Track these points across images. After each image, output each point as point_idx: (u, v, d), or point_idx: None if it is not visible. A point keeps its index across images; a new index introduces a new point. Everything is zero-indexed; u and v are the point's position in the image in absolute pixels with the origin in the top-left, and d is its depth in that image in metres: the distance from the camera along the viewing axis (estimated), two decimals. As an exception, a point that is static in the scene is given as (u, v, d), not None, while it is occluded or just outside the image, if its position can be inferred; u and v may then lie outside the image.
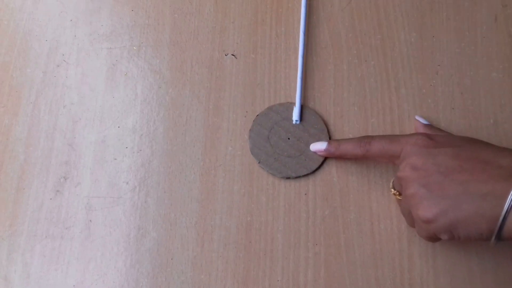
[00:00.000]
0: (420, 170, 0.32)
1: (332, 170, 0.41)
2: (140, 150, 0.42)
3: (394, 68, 0.44)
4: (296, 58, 0.44)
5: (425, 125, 0.39)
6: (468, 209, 0.29)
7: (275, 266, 0.38)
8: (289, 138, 0.41)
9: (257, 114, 0.42)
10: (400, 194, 0.35)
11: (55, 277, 0.38)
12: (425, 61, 0.44)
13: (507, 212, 0.28)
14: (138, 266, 0.38)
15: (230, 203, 0.40)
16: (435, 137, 0.34)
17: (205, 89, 0.44)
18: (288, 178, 0.40)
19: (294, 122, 0.42)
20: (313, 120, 0.42)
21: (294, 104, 0.42)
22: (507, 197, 0.28)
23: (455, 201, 0.30)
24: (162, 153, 0.42)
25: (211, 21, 0.46)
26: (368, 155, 0.37)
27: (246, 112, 0.43)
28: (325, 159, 0.40)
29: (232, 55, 0.45)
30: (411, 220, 0.34)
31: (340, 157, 0.40)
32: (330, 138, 0.41)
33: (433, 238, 0.32)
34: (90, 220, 0.40)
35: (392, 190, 0.36)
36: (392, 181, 0.37)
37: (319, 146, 0.40)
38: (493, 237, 0.29)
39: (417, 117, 0.40)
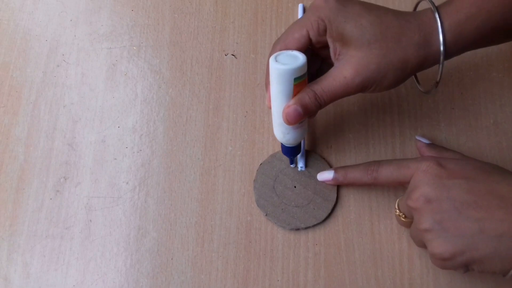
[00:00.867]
0: (434, 203, 0.31)
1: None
2: (140, 150, 0.42)
3: (394, 68, 0.44)
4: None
5: (428, 144, 0.38)
6: (484, 250, 0.29)
7: (275, 266, 0.38)
8: (295, 186, 0.40)
9: (260, 163, 0.41)
10: (405, 217, 0.35)
11: (55, 277, 0.38)
12: (425, 61, 0.44)
13: None
14: (138, 266, 0.38)
15: (230, 203, 0.40)
16: (446, 164, 0.33)
17: (205, 89, 0.44)
18: (297, 229, 0.39)
19: (299, 169, 0.40)
20: (318, 165, 0.40)
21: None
22: None
23: (471, 240, 0.30)
24: (162, 153, 0.42)
25: (211, 21, 0.46)
26: (376, 183, 0.36)
27: (246, 112, 0.43)
28: (334, 207, 0.39)
29: (232, 55, 0.45)
30: (422, 244, 0.34)
31: (348, 185, 0.40)
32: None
33: (448, 269, 0.32)
34: (90, 220, 0.40)
35: (397, 211, 0.36)
36: (397, 202, 0.36)
37: (326, 176, 0.39)
38: (508, 274, 0.30)
39: (417, 137, 0.39)
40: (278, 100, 0.33)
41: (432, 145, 0.38)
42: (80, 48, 0.46)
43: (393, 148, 0.41)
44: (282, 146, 0.38)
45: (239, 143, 0.42)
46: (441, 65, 0.33)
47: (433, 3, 0.33)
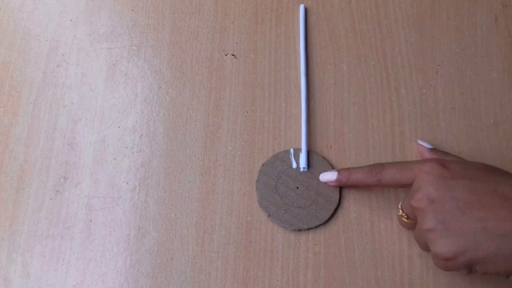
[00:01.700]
0: (437, 204, 0.31)
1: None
2: (140, 150, 0.42)
3: (394, 68, 0.44)
4: (296, 59, 0.45)
5: (430, 149, 0.38)
6: (487, 249, 0.29)
7: (275, 266, 0.38)
8: (297, 187, 0.40)
9: (262, 164, 0.41)
10: (408, 218, 0.35)
11: (55, 277, 0.38)
12: (425, 61, 0.44)
13: None
14: (138, 266, 0.38)
15: (230, 203, 0.40)
16: (449, 165, 0.33)
17: (205, 89, 0.44)
18: (300, 230, 0.39)
19: (301, 169, 0.40)
20: (320, 165, 0.40)
21: (300, 150, 0.41)
22: None
23: (474, 240, 0.30)
24: (162, 153, 0.42)
25: (211, 21, 0.46)
26: (379, 185, 0.36)
27: (246, 112, 0.43)
28: (337, 207, 0.39)
29: (232, 55, 0.45)
30: (426, 247, 0.34)
31: (352, 187, 0.40)
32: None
33: (450, 270, 0.32)
34: (90, 220, 0.40)
35: (400, 211, 0.36)
36: (400, 202, 0.36)
37: (329, 177, 0.39)
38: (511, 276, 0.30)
39: (420, 142, 0.39)
40: None
41: (434, 149, 0.38)
42: (80, 48, 0.46)
43: (393, 148, 0.41)
44: None
45: (239, 143, 0.42)
46: None
47: None
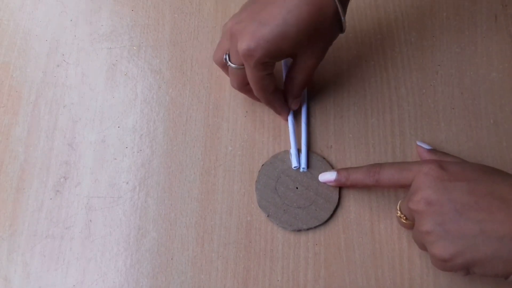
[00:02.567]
0: (435, 206, 0.31)
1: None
2: (140, 150, 0.42)
3: (394, 67, 0.44)
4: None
5: (429, 150, 0.38)
6: (485, 251, 0.29)
7: (275, 266, 0.38)
8: (297, 188, 0.40)
9: (262, 164, 0.41)
10: (406, 219, 0.35)
11: (55, 277, 0.38)
12: (425, 61, 0.44)
13: None
14: (138, 266, 0.38)
15: (230, 203, 0.40)
16: (447, 166, 0.33)
17: (205, 89, 0.44)
18: (299, 230, 0.39)
19: (301, 169, 0.40)
20: (320, 166, 0.40)
21: (300, 151, 0.41)
22: None
23: (472, 241, 0.30)
24: (162, 153, 0.42)
25: (211, 21, 0.46)
26: (378, 185, 0.36)
27: (246, 112, 0.43)
28: (336, 208, 0.39)
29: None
30: (424, 247, 0.33)
31: (350, 187, 0.40)
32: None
33: (448, 271, 0.32)
34: (90, 220, 0.40)
35: (399, 212, 0.36)
36: (399, 203, 0.36)
37: (328, 177, 0.39)
38: (510, 277, 0.30)
39: (419, 143, 0.39)
40: None
41: (433, 150, 0.38)
42: (80, 48, 0.46)
43: (393, 148, 0.41)
44: None
45: (239, 143, 0.42)
46: None
47: None
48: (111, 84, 0.44)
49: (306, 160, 0.40)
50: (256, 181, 0.40)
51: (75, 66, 0.45)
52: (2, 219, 0.40)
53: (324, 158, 0.41)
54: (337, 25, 0.36)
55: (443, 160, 0.34)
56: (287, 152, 0.41)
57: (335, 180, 0.38)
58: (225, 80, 0.44)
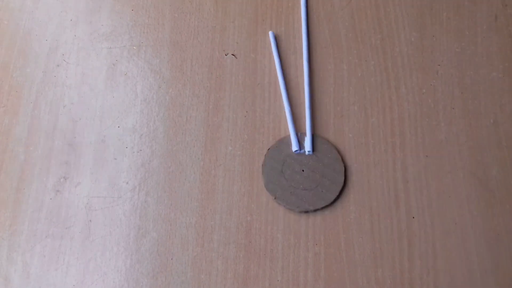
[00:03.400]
0: None
1: (332, 170, 0.41)
2: (140, 150, 0.42)
3: (394, 67, 0.44)
4: (296, 58, 0.44)
5: None
6: None
7: (275, 266, 0.38)
8: (303, 170, 0.40)
9: (268, 148, 0.41)
10: None
11: (55, 277, 0.38)
12: (425, 61, 0.44)
13: None
14: (138, 266, 0.38)
15: (230, 203, 0.40)
16: None
17: (205, 89, 0.44)
18: (306, 212, 0.39)
19: (306, 153, 0.41)
20: (325, 149, 0.41)
21: (305, 134, 0.41)
22: None
23: None
24: (162, 153, 0.42)
25: (211, 21, 0.46)
26: None
27: (246, 112, 0.43)
28: (342, 189, 0.40)
29: (232, 55, 0.45)
30: None
31: None
32: (345, 167, 0.40)
33: None
34: (90, 220, 0.40)
35: None
36: None
37: None
38: None
39: None
40: None
41: None
42: (80, 48, 0.46)
43: (393, 148, 0.41)
44: None
45: (239, 143, 0.42)
46: None
47: None
48: (111, 84, 0.44)
49: (311, 143, 0.41)
50: (262, 165, 0.41)
51: (75, 66, 0.45)
52: (2, 219, 0.40)
53: (328, 141, 0.41)
54: None
55: None
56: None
57: None
58: (225, 80, 0.44)
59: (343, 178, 0.40)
